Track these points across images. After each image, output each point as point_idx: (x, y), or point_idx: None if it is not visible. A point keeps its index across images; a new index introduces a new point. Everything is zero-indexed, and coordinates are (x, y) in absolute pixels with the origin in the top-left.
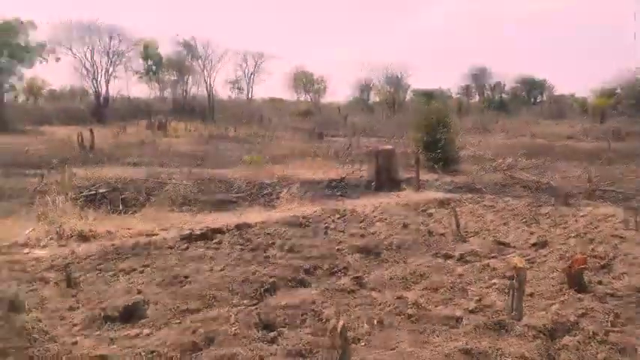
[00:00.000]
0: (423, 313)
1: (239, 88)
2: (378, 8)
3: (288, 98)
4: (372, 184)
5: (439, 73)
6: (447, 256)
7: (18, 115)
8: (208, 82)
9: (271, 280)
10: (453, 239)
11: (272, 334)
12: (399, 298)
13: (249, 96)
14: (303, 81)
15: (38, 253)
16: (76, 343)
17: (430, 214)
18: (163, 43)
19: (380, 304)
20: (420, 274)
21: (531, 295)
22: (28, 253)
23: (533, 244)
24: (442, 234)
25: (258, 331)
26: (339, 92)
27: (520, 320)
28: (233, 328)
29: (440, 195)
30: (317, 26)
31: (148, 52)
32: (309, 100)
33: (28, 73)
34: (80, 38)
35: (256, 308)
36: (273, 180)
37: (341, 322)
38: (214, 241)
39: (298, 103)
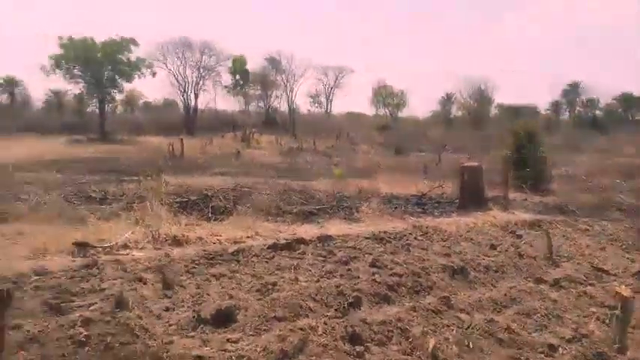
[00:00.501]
0: (515, 338)
1: (318, 102)
2: (462, 20)
3: (366, 112)
4: (457, 201)
5: (526, 87)
6: (540, 281)
7: (116, 125)
8: (290, 97)
9: (354, 294)
10: (545, 263)
11: (359, 348)
12: (489, 321)
13: (328, 110)
14: (383, 95)
15: (137, 254)
16: (172, 342)
17: (519, 236)
18: (251, 58)
19: (469, 327)
20: (512, 297)
21: (633, 327)
22: (128, 254)
23: (636, 273)
24: (533, 257)
25: (345, 344)
26: (419, 106)
27: (624, 354)
28: (321, 339)
29: (529, 216)
30: (398, 39)
31: (237, 67)
32: (388, 114)
33: (127, 86)
34: (174, 54)
35: (343, 321)
36: (354, 193)
37: (432, 342)
38: (298, 251)
39: (377, 117)
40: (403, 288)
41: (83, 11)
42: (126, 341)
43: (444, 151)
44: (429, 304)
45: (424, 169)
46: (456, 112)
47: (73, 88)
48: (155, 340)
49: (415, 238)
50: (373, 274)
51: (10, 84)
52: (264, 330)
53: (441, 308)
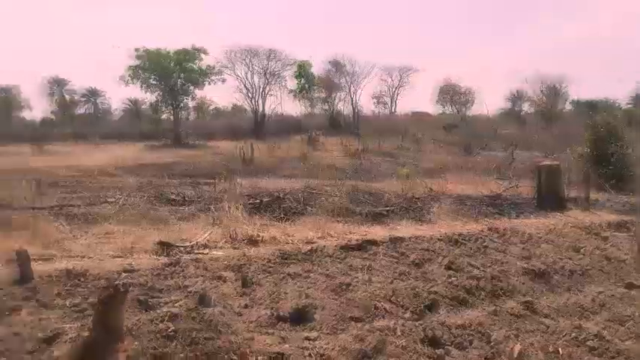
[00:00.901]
0: (607, 346)
1: (383, 103)
2: (532, 12)
3: (432, 111)
4: (534, 202)
5: (603, 81)
6: (632, 286)
7: (188, 131)
8: (354, 98)
9: (431, 296)
10: (636, 267)
11: (439, 351)
12: (576, 327)
13: (393, 110)
14: (450, 93)
15: (216, 253)
16: (252, 338)
17: (605, 238)
18: (315, 62)
19: (555, 333)
20: (600, 303)
21: None
22: (207, 254)
23: None
24: (622, 260)
25: (424, 347)
26: (487, 104)
27: None
28: (400, 341)
29: (614, 217)
30: (465, 36)
31: (302, 71)
32: (456, 112)
33: (198, 93)
34: (242, 61)
35: (421, 323)
36: (423, 194)
37: (518, 347)
38: (369, 252)
39: (443, 116)
40: (482, 291)
41: (156, 23)
42: (210, 337)
43: (516, 150)
44: (511, 308)
45: (497, 168)
46: (528, 108)
47: (149, 97)
48: (237, 336)
49: (491, 240)
50: (449, 276)
51: (93, 95)
52: (341, 330)
53: (523, 313)
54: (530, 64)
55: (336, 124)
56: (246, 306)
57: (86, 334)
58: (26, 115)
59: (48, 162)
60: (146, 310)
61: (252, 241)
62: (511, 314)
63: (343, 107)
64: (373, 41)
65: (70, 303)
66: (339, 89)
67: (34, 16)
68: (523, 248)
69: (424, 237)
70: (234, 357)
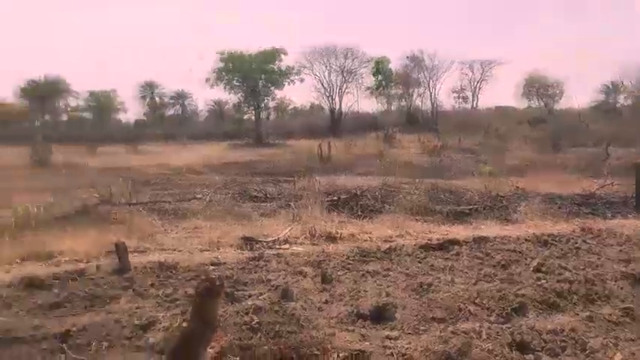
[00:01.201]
0: None
1: (464, 98)
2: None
3: (516, 105)
4: (632, 201)
5: None
6: None
7: (269, 130)
8: (433, 94)
9: (518, 299)
10: None
11: (528, 357)
12: None
13: (474, 105)
14: (536, 86)
15: (296, 249)
16: (333, 334)
17: None
18: (393, 58)
19: None
20: None
21: None
22: (288, 249)
23: None
24: None
25: (512, 352)
26: (577, 97)
27: None
28: (486, 345)
29: None
30: (553, 25)
31: (379, 68)
32: (543, 106)
33: (278, 93)
34: (320, 60)
35: (509, 327)
36: (509, 193)
37: (619, 356)
38: (452, 252)
39: (529, 110)
40: (574, 295)
41: (237, 26)
42: (292, 330)
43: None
44: (609, 314)
45: (589, 165)
46: (624, 101)
47: (232, 98)
48: (318, 331)
49: (584, 242)
50: (538, 279)
51: (181, 97)
52: (424, 330)
53: (622, 320)
54: (627, 54)
55: (413, 121)
56: (326, 302)
57: (177, 323)
58: (122, 117)
59: (141, 161)
60: (232, 303)
61: (331, 238)
62: (608, 321)
63: (421, 103)
64: (453, 35)
65: (163, 293)
66: (417, 85)
67: (129, 22)
68: (620, 250)
69: (510, 237)
70: (316, 352)
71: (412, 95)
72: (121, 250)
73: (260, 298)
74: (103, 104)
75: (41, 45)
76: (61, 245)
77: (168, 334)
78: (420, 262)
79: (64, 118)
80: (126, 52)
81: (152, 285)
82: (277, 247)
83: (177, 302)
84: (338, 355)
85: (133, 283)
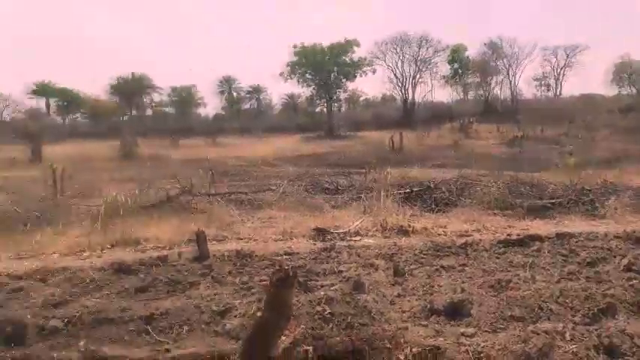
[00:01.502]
0: None
1: (546, 86)
2: None
3: (604, 93)
4: None
5: None
6: None
7: (341, 122)
8: (512, 82)
9: (606, 299)
10: None
11: None
12: None
13: (558, 93)
14: (628, 72)
15: (367, 241)
16: (406, 328)
17: None
18: (470, 46)
19: None
20: None
21: None
22: (359, 241)
23: None
24: None
25: (599, 355)
26: None
27: None
28: (570, 346)
29: None
30: None
31: (456, 56)
32: (635, 93)
33: (350, 85)
34: (393, 50)
35: (596, 329)
36: (596, 186)
37: None
38: (532, 248)
39: (619, 97)
40: None
41: (310, 20)
42: (364, 322)
43: None
44: None
45: None
46: None
47: (305, 91)
48: (390, 324)
49: None
50: (629, 279)
51: (257, 91)
52: (501, 328)
53: None
54: None
55: (491, 110)
56: (398, 295)
57: (252, 311)
58: (201, 111)
59: (220, 153)
60: (305, 292)
61: (403, 231)
62: None
63: (500, 92)
64: (534, 20)
65: (240, 281)
66: (495, 73)
67: (211, 20)
68: None
69: (597, 233)
70: (388, 345)
71: (490, 84)
72: (200, 239)
73: (332, 288)
74: (184, 99)
75: (128, 44)
76: (147, 233)
77: (244, 321)
78: (498, 258)
79: (149, 112)
80: (205, 48)
81: (229, 272)
82: (348, 238)
83: (253, 290)
84: (410, 350)
85: (211, 271)
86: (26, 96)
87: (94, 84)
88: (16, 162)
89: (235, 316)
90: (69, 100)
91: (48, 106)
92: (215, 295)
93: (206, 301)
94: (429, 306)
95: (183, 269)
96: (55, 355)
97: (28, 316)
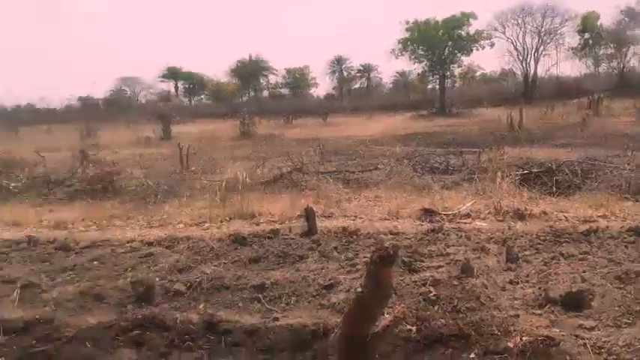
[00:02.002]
0: None
1: None
2: None
3: None
4: None
5: None
6: None
7: (454, 99)
8: None
9: None
10: None
11: None
12: None
13: None
14: None
15: (479, 224)
16: (517, 316)
17: None
18: (603, 14)
19: None
20: None
21: None
22: (470, 223)
23: None
24: None
25: None
26: None
27: None
28: None
29: None
30: None
31: (587, 25)
32: None
33: (465, 60)
34: (513, 21)
35: None
36: None
37: None
38: None
39: None
40: None
41: None
42: (472, 307)
43: None
44: None
45: None
46: None
47: (416, 68)
48: (501, 311)
49: None
50: None
51: (367, 70)
52: (627, 323)
53: None
54: None
55: (626, 84)
56: (510, 282)
57: (359, 287)
58: (314, 91)
59: (330, 132)
60: (410, 272)
61: (519, 215)
62: None
63: (638, 63)
64: None
65: (345, 257)
66: (632, 42)
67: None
68: None
69: None
70: (497, 332)
71: (626, 55)
72: (309, 215)
73: (438, 270)
74: (298, 80)
75: (247, 28)
76: (261, 207)
77: (349, 296)
78: (627, 248)
79: (266, 94)
80: (318, 29)
81: (335, 248)
82: (458, 220)
83: (358, 267)
84: (521, 339)
85: (318, 245)
86: (158, 80)
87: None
88: (149, 140)
89: (340, 291)
90: (194, 83)
91: (176, 88)
92: (322, 269)
93: (313, 274)
94: (543, 294)
95: (293, 243)
96: (177, 315)
97: (157, 279)
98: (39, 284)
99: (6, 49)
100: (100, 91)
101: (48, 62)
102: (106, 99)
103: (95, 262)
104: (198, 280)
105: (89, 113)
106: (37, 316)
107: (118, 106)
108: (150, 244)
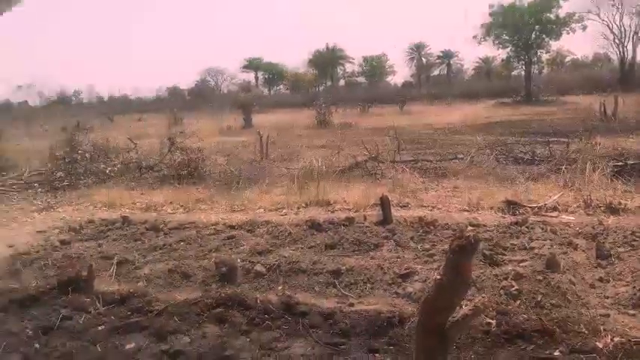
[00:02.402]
0: None
1: None
2: None
3: None
4: None
5: None
6: None
7: (540, 86)
8: None
9: None
10: None
11: None
12: None
13: None
14: None
15: (566, 218)
16: (607, 315)
17: None
18: None
19: None
20: None
21: None
22: (556, 217)
23: None
24: None
25: None
26: None
27: None
28: None
29: None
30: None
31: None
32: None
33: (553, 45)
34: (609, 2)
35: None
36: None
37: None
38: None
39: None
40: None
41: None
42: (557, 304)
43: None
44: None
45: None
46: None
47: (500, 54)
48: (589, 309)
49: None
50: None
51: (447, 56)
52: None
53: None
54: None
55: None
56: (600, 279)
57: (433, 277)
58: (391, 79)
59: (407, 121)
60: (490, 265)
61: (612, 209)
62: None
63: None
64: None
65: (421, 247)
66: None
67: None
68: None
69: None
70: (585, 331)
71: None
72: (385, 204)
73: (521, 265)
74: (374, 68)
75: (323, 18)
76: (336, 195)
77: (425, 286)
78: None
79: (342, 83)
80: (396, 15)
81: (411, 238)
82: (543, 213)
83: (435, 257)
84: (612, 339)
85: (394, 235)
86: (239, 70)
87: (296, 58)
88: (230, 129)
89: (416, 281)
90: (274, 74)
91: (256, 79)
92: (397, 258)
93: (388, 263)
94: (638, 294)
95: (368, 231)
96: (258, 295)
97: (238, 261)
98: (132, 261)
99: (98, 43)
100: (187, 81)
101: (139, 54)
102: (191, 89)
103: (182, 243)
104: (277, 262)
105: (176, 103)
106: (131, 290)
107: (202, 96)
108: (232, 227)
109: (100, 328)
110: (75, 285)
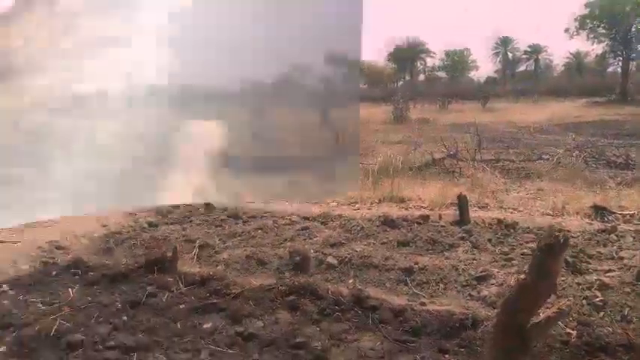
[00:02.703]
0: None
1: None
2: None
3: None
4: None
5: None
6: None
7: (639, 85)
8: None
9: None
10: None
11: None
12: None
13: None
14: None
15: None
16: None
17: None
18: None
19: None
20: None
21: None
22: None
23: None
24: None
25: None
26: None
27: None
28: None
29: None
30: None
31: None
32: None
33: None
34: None
35: None
36: None
37: None
38: None
39: None
40: None
41: None
42: None
43: None
44: None
45: None
46: None
47: (595, 49)
48: None
49: None
50: None
51: (535, 51)
52: None
53: None
54: None
55: None
56: None
57: (511, 281)
58: (473, 74)
59: (489, 118)
60: (573, 273)
61: None
62: None
63: None
64: None
65: (500, 250)
66: None
67: None
68: None
69: None
70: None
71: None
72: (462, 203)
73: (607, 275)
74: (456, 63)
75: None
76: (411, 192)
77: (502, 290)
78: None
79: (422, 77)
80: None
81: (489, 240)
82: (636, 222)
83: (513, 261)
84: None
85: (470, 236)
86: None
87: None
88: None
89: (492, 285)
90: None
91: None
92: (473, 260)
93: (464, 264)
94: None
95: (443, 230)
96: (329, 286)
97: (312, 251)
98: (213, 245)
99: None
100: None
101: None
102: (273, 83)
103: (259, 231)
104: (348, 256)
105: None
106: (210, 273)
107: (285, 90)
108: (307, 218)
109: (181, 306)
110: (160, 265)
